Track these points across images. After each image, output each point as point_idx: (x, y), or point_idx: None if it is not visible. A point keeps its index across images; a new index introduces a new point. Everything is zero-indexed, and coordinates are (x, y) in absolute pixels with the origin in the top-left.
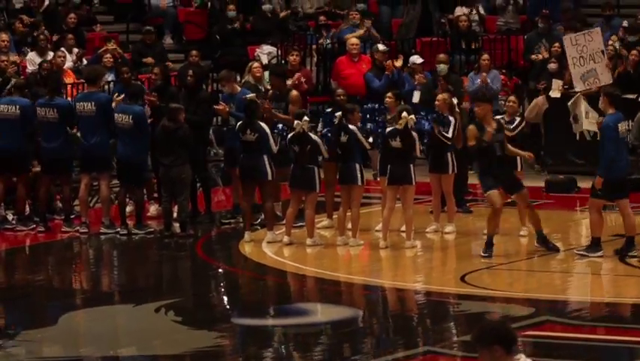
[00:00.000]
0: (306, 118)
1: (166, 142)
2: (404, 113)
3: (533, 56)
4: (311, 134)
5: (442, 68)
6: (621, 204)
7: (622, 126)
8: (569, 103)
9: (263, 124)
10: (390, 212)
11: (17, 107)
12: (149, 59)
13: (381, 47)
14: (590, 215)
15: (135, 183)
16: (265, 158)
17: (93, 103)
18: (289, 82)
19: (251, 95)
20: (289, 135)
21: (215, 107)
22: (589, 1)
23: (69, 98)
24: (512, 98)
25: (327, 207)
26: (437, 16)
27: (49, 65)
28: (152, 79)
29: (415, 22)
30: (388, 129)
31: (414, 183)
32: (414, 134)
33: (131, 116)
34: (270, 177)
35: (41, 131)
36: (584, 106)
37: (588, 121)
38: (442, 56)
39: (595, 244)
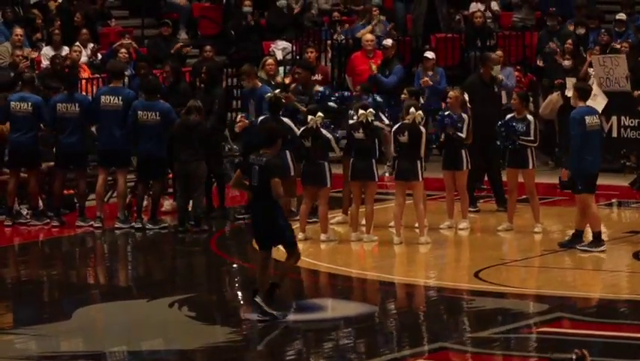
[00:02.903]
0: (320, 114)
1: (185, 138)
2: (412, 109)
3: (539, 63)
4: (323, 130)
5: (499, 68)
6: (585, 199)
7: (592, 120)
8: None
9: (286, 119)
10: (399, 207)
11: (29, 103)
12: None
13: (387, 41)
14: (588, 212)
15: (156, 179)
16: (287, 154)
17: (120, 98)
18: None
19: (276, 91)
20: (300, 130)
21: (237, 123)
22: None
23: (84, 93)
24: (514, 96)
25: (343, 203)
26: (443, 11)
27: (61, 60)
28: (164, 77)
29: (422, 18)
30: (397, 125)
31: (421, 180)
32: (422, 129)
33: (157, 113)
34: (292, 173)
35: (60, 126)
36: (594, 88)
37: (595, 102)
38: (500, 54)
39: (597, 239)
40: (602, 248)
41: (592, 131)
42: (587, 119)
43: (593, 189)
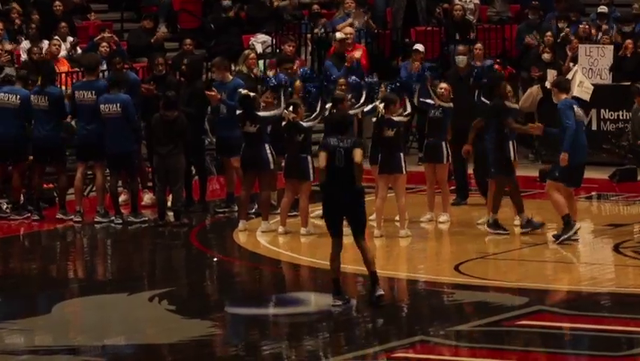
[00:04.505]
0: (291, 108)
1: (164, 132)
2: (376, 103)
3: (525, 42)
4: (302, 122)
5: (462, 59)
6: (551, 186)
7: (577, 111)
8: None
9: (262, 113)
10: (382, 201)
11: (17, 96)
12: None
13: (339, 35)
14: (550, 198)
15: (127, 172)
16: (266, 147)
17: (93, 92)
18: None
19: (245, 91)
20: (282, 125)
21: (207, 93)
22: None
23: (63, 87)
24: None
25: None
26: (422, 4)
27: (39, 50)
28: (159, 69)
29: (401, 12)
30: (375, 119)
31: (404, 172)
32: (396, 119)
33: (118, 104)
34: (271, 166)
35: (34, 119)
36: (579, 76)
37: (580, 89)
38: (461, 47)
39: (567, 223)
40: (576, 228)
41: (579, 122)
42: (576, 108)
43: (575, 181)
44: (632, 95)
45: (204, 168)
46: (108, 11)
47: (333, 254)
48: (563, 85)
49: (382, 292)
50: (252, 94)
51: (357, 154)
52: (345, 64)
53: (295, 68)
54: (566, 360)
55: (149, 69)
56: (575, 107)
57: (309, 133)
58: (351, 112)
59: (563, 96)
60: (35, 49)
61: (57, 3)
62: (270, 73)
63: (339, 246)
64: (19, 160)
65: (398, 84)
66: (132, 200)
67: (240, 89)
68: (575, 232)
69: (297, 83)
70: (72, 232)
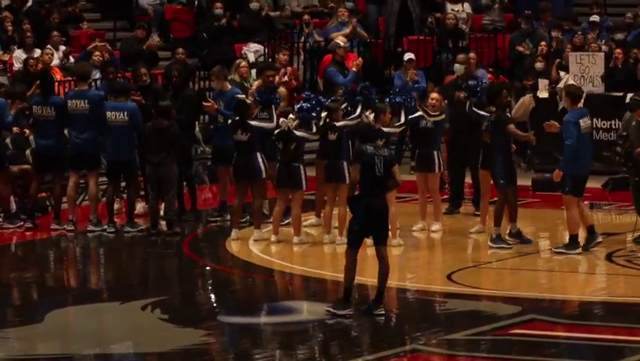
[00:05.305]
0: (291, 116)
1: (157, 140)
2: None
3: (520, 48)
4: (296, 131)
5: (459, 68)
6: (569, 201)
7: (585, 122)
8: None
9: (255, 122)
10: None
11: None
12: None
13: (341, 43)
14: (566, 212)
15: (126, 180)
16: (258, 156)
17: (86, 101)
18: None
19: (242, 96)
20: (275, 133)
21: (204, 103)
22: (577, 1)
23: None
24: None
25: (316, 205)
26: (417, 12)
27: (35, 62)
28: (142, 80)
29: (394, 19)
30: None
31: None
32: (385, 130)
33: (125, 113)
34: (263, 175)
35: (36, 128)
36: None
37: None
38: (460, 56)
39: (573, 241)
40: (577, 251)
41: (584, 134)
42: (581, 122)
43: (580, 192)
44: (632, 108)
45: (192, 176)
46: (101, 20)
47: (350, 263)
48: (575, 97)
49: (383, 312)
50: (248, 101)
51: (398, 172)
52: (354, 68)
53: (286, 75)
54: None
55: (134, 80)
56: (582, 120)
57: (302, 142)
58: (343, 122)
59: (574, 106)
60: (32, 60)
61: (55, 15)
62: (254, 85)
63: (356, 256)
64: (1, 168)
65: (396, 100)
66: (129, 209)
67: (238, 96)
68: (575, 254)
69: (282, 89)
70: (65, 240)
